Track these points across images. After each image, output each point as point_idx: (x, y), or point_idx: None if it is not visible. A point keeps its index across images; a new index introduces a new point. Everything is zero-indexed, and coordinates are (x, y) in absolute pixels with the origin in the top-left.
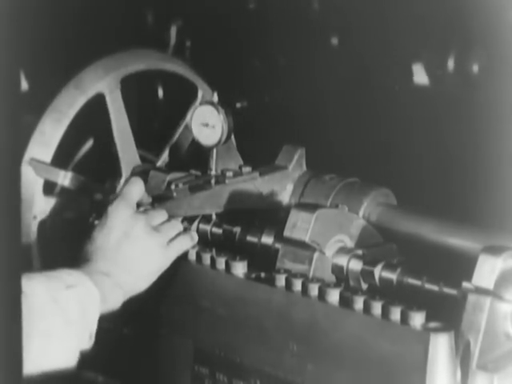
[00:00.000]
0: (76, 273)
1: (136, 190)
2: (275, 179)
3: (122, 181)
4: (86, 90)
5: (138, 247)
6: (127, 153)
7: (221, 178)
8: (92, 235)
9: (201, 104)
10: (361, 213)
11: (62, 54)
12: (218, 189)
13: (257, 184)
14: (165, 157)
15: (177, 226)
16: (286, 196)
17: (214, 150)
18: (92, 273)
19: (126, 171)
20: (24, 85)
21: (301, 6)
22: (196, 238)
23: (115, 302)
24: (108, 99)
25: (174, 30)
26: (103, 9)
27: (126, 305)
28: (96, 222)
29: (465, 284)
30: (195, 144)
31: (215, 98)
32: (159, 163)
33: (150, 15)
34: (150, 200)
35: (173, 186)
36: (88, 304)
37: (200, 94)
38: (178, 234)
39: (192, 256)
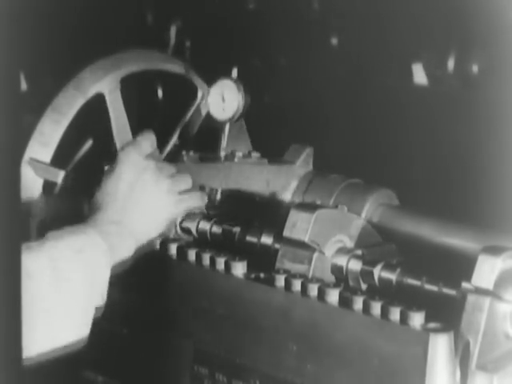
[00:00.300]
0: (84, 231)
1: (148, 141)
2: (282, 171)
3: None
4: (85, 90)
5: (148, 192)
6: None
7: (230, 157)
8: (102, 181)
9: (221, 78)
10: (363, 213)
11: (61, 55)
12: (226, 164)
13: (264, 171)
14: (168, 149)
15: (187, 178)
16: (289, 192)
17: (227, 127)
18: (102, 224)
19: None
20: (23, 85)
21: (301, 6)
22: (206, 198)
23: (127, 251)
24: (108, 99)
25: (173, 30)
26: (103, 9)
27: (126, 303)
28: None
29: (464, 284)
30: (204, 128)
31: (235, 74)
32: (163, 155)
33: (150, 15)
34: (161, 157)
35: (183, 152)
36: (97, 266)
37: (200, 93)
38: (189, 190)
39: (191, 256)
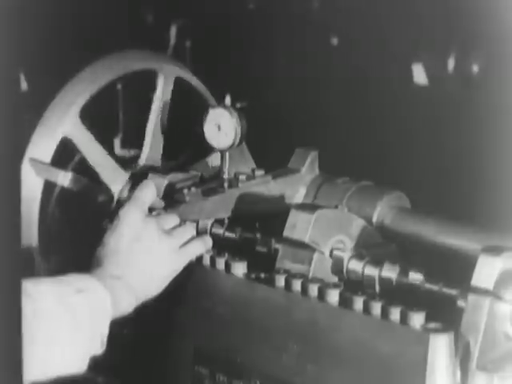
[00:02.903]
0: (86, 277)
1: (148, 193)
2: (288, 182)
3: (115, 196)
4: (53, 135)
5: (149, 251)
6: (110, 173)
7: (234, 182)
8: (103, 239)
9: (213, 107)
10: (375, 217)
11: (62, 54)
12: (231, 192)
13: (269, 187)
14: (145, 153)
15: (190, 229)
16: (298, 200)
17: (227, 154)
18: (104, 277)
19: (114, 188)
20: (24, 85)
21: (301, 6)
22: (210, 242)
23: (127, 307)
24: (75, 142)
25: (173, 30)
26: (103, 9)
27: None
28: (108, 226)
29: (464, 285)
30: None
31: (228, 101)
32: (142, 161)
33: (150, 15)
34: (162, 204)
35: (185, 190)
36: (98, 309)
37: (161, 79)
38: (192, 238)
39: None
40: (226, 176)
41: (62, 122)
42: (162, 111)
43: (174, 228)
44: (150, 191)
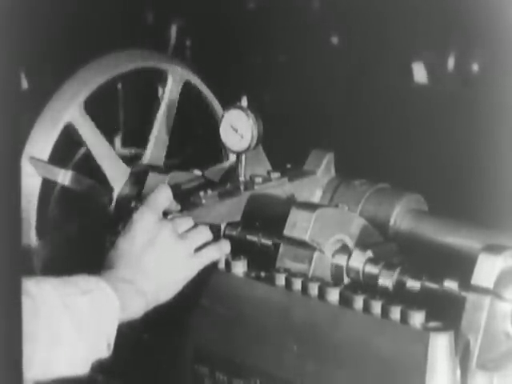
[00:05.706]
0: (94, 279)
1: (162, 197)
2: (304, 185)
3: (115, 194)
4: (54, 124)
5: (162, 255)
6: (113, 167)
7: (250, 184)
8: (116, 242)
9: (229, 108)
10: (392, 219)
11: (62, 53)
12: (247, 194)
13: (286, 190)
14: (149, 152)
15: (205, 232)
16: (315, 201)
17: (243, 157)
18: (114, 280)
19: (115, 183)
20: (24, 84)
21: (301, 5)
22: (227, 247)
23: (137, 311)
24: (78, 128)
25: (174, 30)
26: (103, 8)
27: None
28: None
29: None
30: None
31: (244, 103)
32: (146, 159)
33: (150, 15)
34: (178, 208)
35: (202, 193)
36: (105, 311)
37: (170, 79)
38: (207, 243)
39: None
40: (242, 178)
41: (67, 109)
42: (168, 111)
43: (189, 231)
44: (165, 195)
